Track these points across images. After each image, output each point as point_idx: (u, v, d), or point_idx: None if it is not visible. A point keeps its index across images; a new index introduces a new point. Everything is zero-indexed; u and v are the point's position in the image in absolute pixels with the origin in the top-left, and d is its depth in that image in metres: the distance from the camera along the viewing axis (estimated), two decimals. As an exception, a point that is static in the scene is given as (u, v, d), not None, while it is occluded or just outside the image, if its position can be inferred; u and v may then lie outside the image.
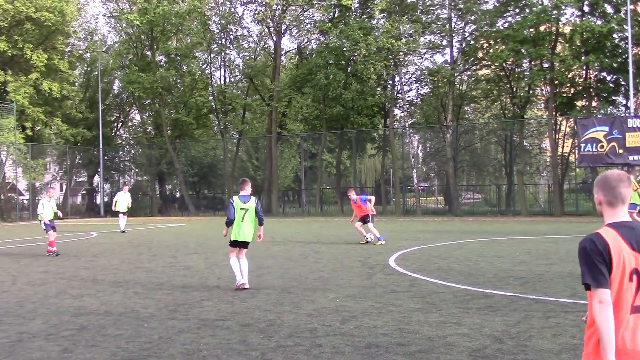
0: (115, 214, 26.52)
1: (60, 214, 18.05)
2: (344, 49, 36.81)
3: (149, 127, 51.12)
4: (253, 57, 44.91)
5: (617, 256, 2.87)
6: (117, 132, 53.84)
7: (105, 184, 48.74)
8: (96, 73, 46.91)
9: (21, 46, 39.04)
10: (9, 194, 45.46)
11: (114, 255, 16.08)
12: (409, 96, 40.08)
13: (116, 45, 48.39)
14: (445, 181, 40.30)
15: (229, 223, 10.19)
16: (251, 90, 45.76)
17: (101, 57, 46.14)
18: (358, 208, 17.99)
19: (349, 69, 38.57)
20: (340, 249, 16.57)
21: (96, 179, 51.29)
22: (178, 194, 50.53)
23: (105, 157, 47.55)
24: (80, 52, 47.74)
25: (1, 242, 21.80)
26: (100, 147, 45.09)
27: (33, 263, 14.80)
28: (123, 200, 25.86)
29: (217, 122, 47.66)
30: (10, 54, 39.14)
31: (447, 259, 13.62)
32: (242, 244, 10.16)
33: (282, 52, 44.49)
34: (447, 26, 36.67)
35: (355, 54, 36.56)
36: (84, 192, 60.30)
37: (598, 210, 3.12)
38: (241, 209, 10.12)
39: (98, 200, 50.01)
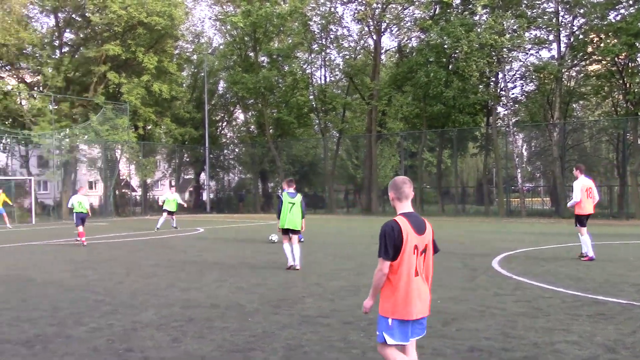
0: (202, 210, 27.05)
1: (89, 213, 20.24)
2: (445, 46, 36.14)
3: (252, 126, 52.50)
4: (353, 56, 45.04)
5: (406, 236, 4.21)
6: (222, 131, 55.64)
7: (210, 181, 50.49)
8: (202, 74, 48.67)
9: (134, 50, 41.15)
10: (123, 190, 48.09)
11: (219, 251, 16.63)
12: (513, 93, 38.84)
13: (221, 47, 50.03)
14: (552, 181, 38.70)
15: (279, 214, 12.33)
16: (351, 89, 45.93)
17: (207, 58, 47.81)
18: None
19: (450, 66, 37.84)
20: (441, 249, 16.27)
21: (202, 176, 53.26)
22: (280, 191, 51.50)
23: (211, 155, 49.22)
24: (187, 54, 49.76)
25: (116, 236, 23.11)
26: (206, 145, 46.72)
27: (145, 256, 15.58)
28: (171, 199, 25.77)
29: (317, 121, 48.18)
30: (124, 58, 41.39)
31: (555, 262, 13.08)
32: (292, 232, 12.33)
33: (382, 51, 44.35)
34: (553, 20, 35.16)
35: (457, 51, 35.80)
36: (191, 189, 62.74)
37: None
38: (289, 202, 12.36)
39: (204, 197, 51.88)
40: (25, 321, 7.78)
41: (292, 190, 12.58)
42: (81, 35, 44.25)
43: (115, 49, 39.90)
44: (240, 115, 55.69)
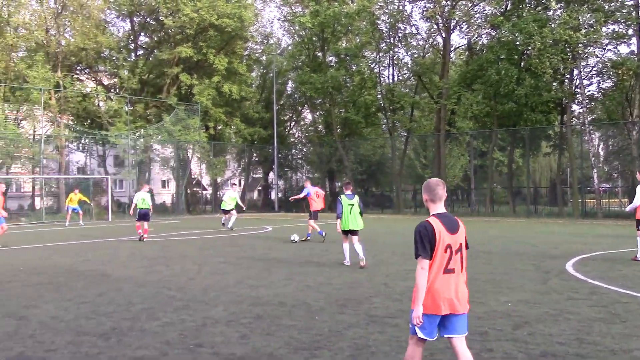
0: (270, 209, 26.90)
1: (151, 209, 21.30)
2: (517, 42, 35.26)
3: (320, 126, 52.79)
4: (422, 54, 44.59)
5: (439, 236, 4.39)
6: (290, 131, 56.21)
7: (279, 181, 51.07)
8: (271, 75, 49.30)
9: (205, 52, 42.11)
10: (195, 189, 49.30)
11: (286, 249, 16.80)
12: (588, 91, 37.46)
13: (289, 47, 50.55)
14: (631, 182, 37.10)
15: (339, 216, 12.76)
16: (419, 88, 45.47)
17: (276, 59, 48.37)
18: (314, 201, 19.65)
19: (522, 63, 36.88)
20: (512, 251, 15.93)
21: (271, 175, 53.97)
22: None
23: (279, 155, 49.79)
24: (257, 55, 50.53)
25: (188, 233, 23.71)
26: (275, 145, 47.29)
27: (215, 253, 15.91)
28: (230, 198, 25.11)
29: (385, 121, 47.95)
30: (195, 59, 42.44)
31: (633, 266, 12.54)
32: (352, 232, 12.90)
33: (452, 49, 43.68)
34: (633, 14, 33.68)
35: (529, 48, 34.85)
36: (260, 188, 63.69)
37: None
38: (348, 204, 12.81)
39: (273, 196, 52.54)
40: (101, 315, 8.09)
41: (349, 192, 13.08)
42: (155, 39, 45.64)
43: (187, 51, 40.91)
44: (308, 115, 56.12)
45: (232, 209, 24.81)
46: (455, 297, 4.44)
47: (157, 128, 41.18)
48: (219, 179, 48.12)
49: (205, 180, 53.59)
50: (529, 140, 39.37)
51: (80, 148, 44.87)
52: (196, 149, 43.59)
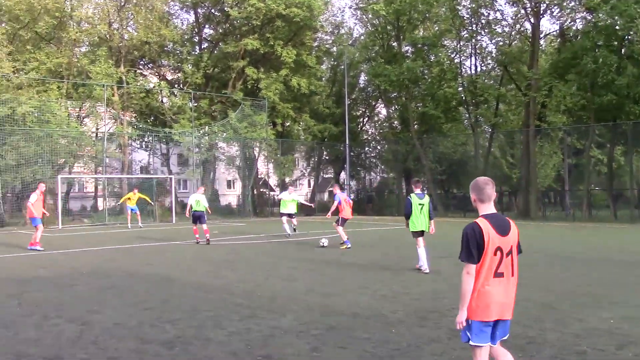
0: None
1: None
2: (617, 27, 33.95)
3: (395, 122, 52.48)
4: (507, 42, 43.57)
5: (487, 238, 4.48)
6: (363, 127, 56.14)
7: (351, 181, 51.06)
8: (342, 67, 49.36)
9: (272, 43, 42.57)
10: (261, 190, 49.95)
11: (360, 255, 16.76)
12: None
13: (362, 37, 50.46)
14: None
15: (408, 216, 13.08)
16: (505, 79, 44.47)
17: (347, 50, 48.38)
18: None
19: (622, 50, 35.51)
20: (613, 260, 15.33)
21: (342, 175, 54.08)
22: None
23: (352, 153, 49.79)
24: (327, 46, 50.71)
25: (255, 237, 24.04)
26: (347, 142, 47.37)
27: (284, 258, 16.06)
28: (288, 200, 23.96)
29: (467, 115, 47.15)
30: (262, 52, 42.95)
31: None
32: (421, 233, 13.13)
33: (541, 35, 42.50)
34: None
35: (631, 33, 33.51)
36: (331, 189, 63.88)
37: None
38: (419, 204, 13.03)
39: (343, 197, 52.49)
40: (166, 322, 8.29)
41: (419, 190, 13.33)
42: (220, 31, 46.52)
43: (253, 43, 41.46)
44: (382, 110, 55.92)
45: (291, 214, 23.93)
46: (504, 302, 4.57)
47: (222, 125, 41.95)
48: (287, 179, 48.59)
49: (273, 181, 54.26)
50: (632, 135, 37.74)
51: (143, 146, 46.20)
52: (263, 147, 44.16)
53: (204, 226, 20.87)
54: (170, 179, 41.08)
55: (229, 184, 66.16)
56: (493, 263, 4.50)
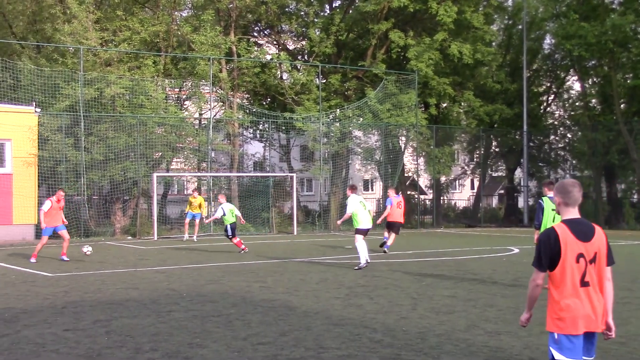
0: (517, 222, 25.92)
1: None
2: None
3: (593, 100, 50.65)
4: None
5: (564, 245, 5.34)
6: (547, 109, 54.68)
7: (530, 181, 49.82)
8: (520, 27, 48.32)
9: (426, -1, 42.17)
10: (408, 192, 49.73)
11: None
12: None
13: (548, -14, 49.15)
14: None
15: (538, 226, 13.62)
16: None
17: (527, 3, 47.24)
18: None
19: None
20: None
21: (518, 173, 52.87)
22: (635, 197, 48.90)
23: (531, 144, 48.63)
24: (499, 0, 49.72)
25: (400, 254, 23.99)
26: (525, 129, 46.31)
27: (438, 284, 15.97)
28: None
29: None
30: (411, 10, 42.22)
31: None
32: None
33: None
34: None
35: None
36: (502, 191, 62.81)
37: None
38: (552, 209, 13.29)
39: (520, 203, 51.48)
40: (284, 360, 8.53)
41: (552, 194, 12.53)
42: (357, -17, 46.80)
43: (401, -1, 41.21)
44: (575, 85, 54.20)
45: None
46: (592, 313, 5.35)
47: (358, 107, 41.94)
48: (442, 178, 48.17)
49: (424, 181, 53.92)
50: None
51: (257, 136, 47.06)
52: (411, 136, 43.98)
53: (237, 239, 24.35)
54: (291, 177, 41.33)
55: (366, 185, 66.25)
56: (576, 271, 5.33)
